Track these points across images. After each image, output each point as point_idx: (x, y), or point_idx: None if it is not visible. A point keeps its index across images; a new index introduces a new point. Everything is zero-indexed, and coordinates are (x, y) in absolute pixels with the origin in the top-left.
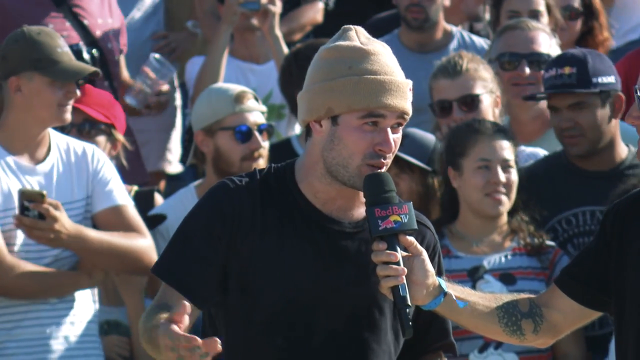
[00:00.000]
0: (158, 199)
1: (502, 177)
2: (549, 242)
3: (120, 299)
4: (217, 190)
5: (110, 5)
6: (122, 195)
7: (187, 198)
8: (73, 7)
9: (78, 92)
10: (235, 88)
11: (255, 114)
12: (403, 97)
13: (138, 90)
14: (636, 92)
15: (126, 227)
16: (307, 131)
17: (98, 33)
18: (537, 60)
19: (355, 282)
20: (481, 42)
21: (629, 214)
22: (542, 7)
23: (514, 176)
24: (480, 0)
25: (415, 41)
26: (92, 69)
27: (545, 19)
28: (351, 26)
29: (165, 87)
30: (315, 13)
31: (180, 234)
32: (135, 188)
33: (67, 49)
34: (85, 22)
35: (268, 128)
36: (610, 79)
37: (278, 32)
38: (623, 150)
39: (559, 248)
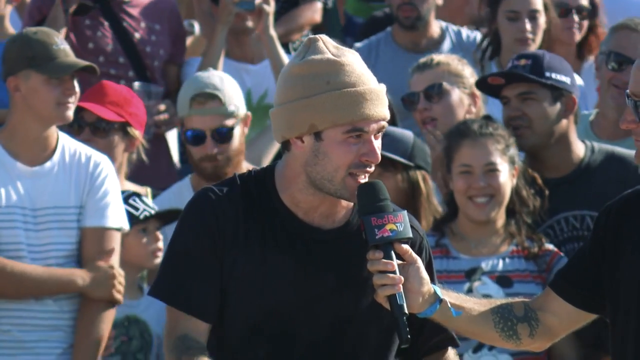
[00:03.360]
0: None
1: (482, 182)
2: (548, 245)
3: (137, 291)
4: (199, 202)
5: (162, 11)
6: (115, 216)
7: (183, 191)
8: (117, 9)
9: (77, 89)
10: (199, 86)
11: (212, 117)
12: (382, 104)
13: None
14: (628, 97)
15: (96, 254)
16: (284, 145)
17: (137, 35)
18: None
19: (337, 290)
20: (477, 35)
21: (621, 215)
22: (540, 7)
23: (502, 178)
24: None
25: (409, 40)
26: (86, 63)
27: (543, 18)
28: (317, 36)
29: (161, 107)
30: (314, 13)
31: (173, 254)
32: (149, 190)
33: (63, 46)
34: (124, 23)
35: (227, 132)
36: (565, 79)
37: (273, 32)
38: (580, 149)
39: (558, 250)
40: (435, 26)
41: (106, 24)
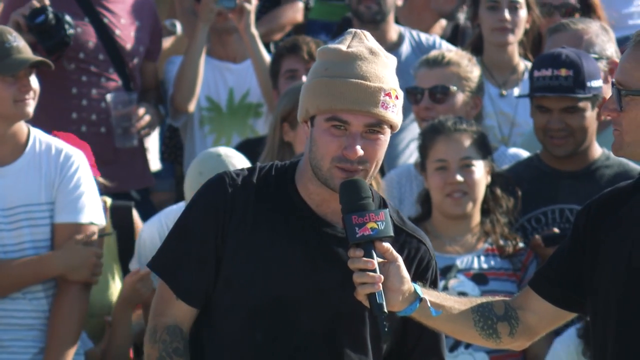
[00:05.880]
0: (135, 215)
1: (459, 177)
2: (522, 244)
3: None
4: (213, 184)
5: (141, 7)
6: (89, 212)
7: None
8: (97, 5)
9: (34, 85)
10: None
11: None
12: (372, 102)
13: (121, 132)
14: (613, 85)
15: None
16: None
17: (118, 32)
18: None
19: (341, 286)
20: (436, 39)
21: (600, 213)
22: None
23: (477, 175)
24: None
25: None
26: (39, 58)
27: (524, 10)
28: (352, 30)
29: (140, 111)
30: (295, 13)
31: (178, 230)
32: (109, 201)
33: (16, 43)
34: (105, 20)
35: None
36: (599, 82)
37: (254, 31)
38: (596, 152)
39: (531, 250)
40: (394, 30)
41: (87, 19)
